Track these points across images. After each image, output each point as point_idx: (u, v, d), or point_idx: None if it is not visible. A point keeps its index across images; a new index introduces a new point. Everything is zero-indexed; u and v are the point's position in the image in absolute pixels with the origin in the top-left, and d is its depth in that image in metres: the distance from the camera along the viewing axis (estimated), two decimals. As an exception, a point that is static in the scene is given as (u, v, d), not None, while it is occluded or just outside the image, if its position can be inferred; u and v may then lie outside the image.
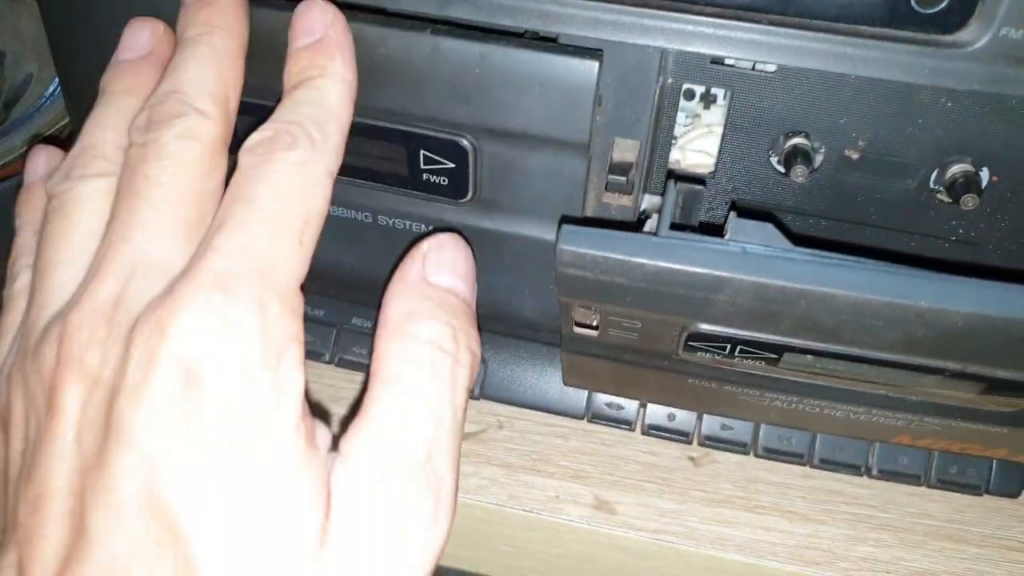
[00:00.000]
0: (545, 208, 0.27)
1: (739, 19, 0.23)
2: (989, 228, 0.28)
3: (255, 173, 0.20)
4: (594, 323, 0.24)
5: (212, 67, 0.22)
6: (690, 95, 0.28)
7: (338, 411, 0.34)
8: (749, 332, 0.22)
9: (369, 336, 0.33)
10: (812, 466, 0.30)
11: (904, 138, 0.26)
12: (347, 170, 0.25)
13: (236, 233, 0.19)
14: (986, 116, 0.25)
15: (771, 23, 0.22)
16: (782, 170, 0.28)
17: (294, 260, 0.20)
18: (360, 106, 0.24)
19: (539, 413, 0.33)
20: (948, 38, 0.22)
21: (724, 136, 0.28)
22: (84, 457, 0.19)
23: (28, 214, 0.25)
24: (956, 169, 0.27)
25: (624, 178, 0.25)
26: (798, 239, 0.21)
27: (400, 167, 0.26)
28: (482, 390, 0.32)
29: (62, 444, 0.19)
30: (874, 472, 0.29)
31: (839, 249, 0.21)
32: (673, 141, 0.29)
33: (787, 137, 0.27)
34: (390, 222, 0.29)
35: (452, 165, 0.26)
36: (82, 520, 0.18)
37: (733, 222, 0.21)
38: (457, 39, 0.23)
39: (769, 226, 0.21)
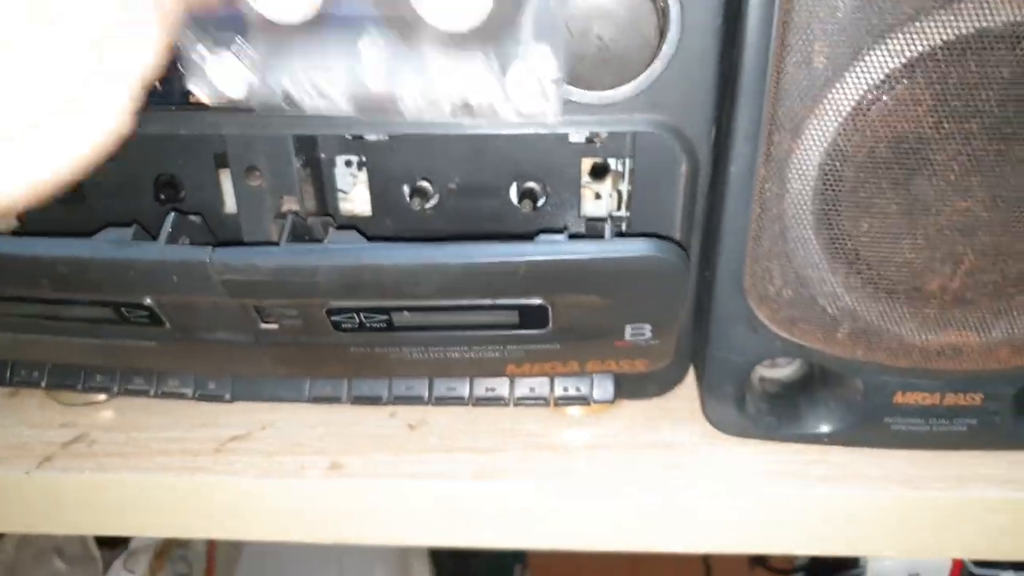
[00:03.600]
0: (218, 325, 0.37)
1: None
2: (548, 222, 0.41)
3: None
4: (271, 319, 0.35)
5: None
6: (348, 163, 0.41)
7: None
8: (359, 302, 0.34)
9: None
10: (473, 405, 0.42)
11: (483, 172, 0.40)
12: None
13: None
14: (529, 149, 0.39)
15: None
16: (413, 206, 0.41)
17: None
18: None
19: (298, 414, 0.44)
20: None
21: (371, 187, 0.40)
22: None
23: None
24: (523, 186, 0.40)
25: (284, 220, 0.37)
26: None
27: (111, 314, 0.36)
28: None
29: None
30: (511, 404, 0.41)
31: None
32: (343, 195, 0.41)
33: (411, 182, 0.40)
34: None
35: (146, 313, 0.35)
36: None
37: (331, 233, 0.33)
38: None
39: (354, 232, 0.33)
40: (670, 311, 0.35)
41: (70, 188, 0.43)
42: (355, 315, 0.34)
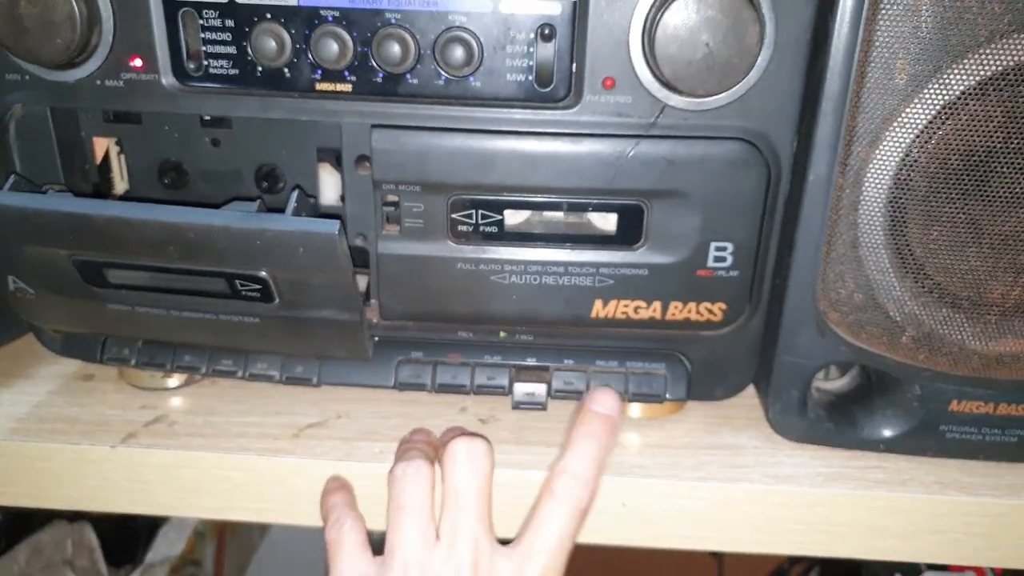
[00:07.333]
0: (326, 301, 0.38)
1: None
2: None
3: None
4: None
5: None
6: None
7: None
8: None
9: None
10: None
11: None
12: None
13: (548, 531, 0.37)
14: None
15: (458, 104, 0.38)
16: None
17: None
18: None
19: (370, 405, 0.45)
20: (560, 104, 0.38)
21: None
22: None
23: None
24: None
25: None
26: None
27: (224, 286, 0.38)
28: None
29: None
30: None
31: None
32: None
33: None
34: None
35: (259, 287, 0.37)
36: None
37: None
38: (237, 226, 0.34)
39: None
40: (750, 221, 0.39)
41: (176, 170, 0.45)
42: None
